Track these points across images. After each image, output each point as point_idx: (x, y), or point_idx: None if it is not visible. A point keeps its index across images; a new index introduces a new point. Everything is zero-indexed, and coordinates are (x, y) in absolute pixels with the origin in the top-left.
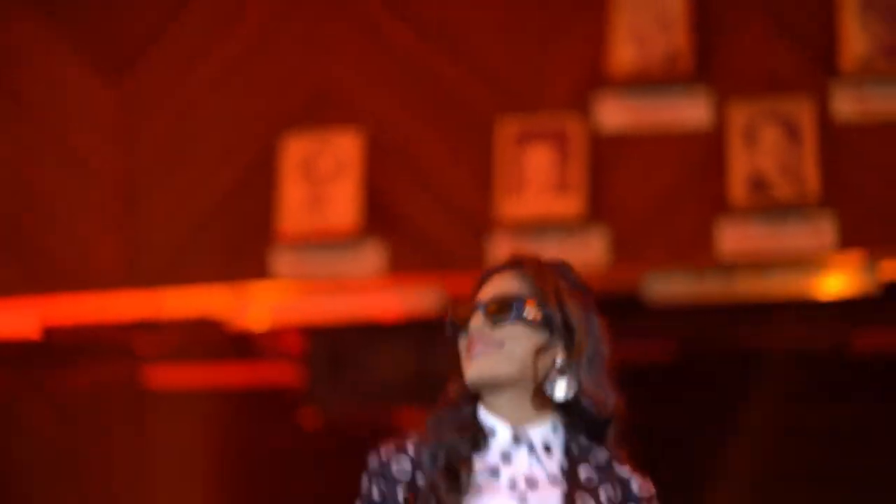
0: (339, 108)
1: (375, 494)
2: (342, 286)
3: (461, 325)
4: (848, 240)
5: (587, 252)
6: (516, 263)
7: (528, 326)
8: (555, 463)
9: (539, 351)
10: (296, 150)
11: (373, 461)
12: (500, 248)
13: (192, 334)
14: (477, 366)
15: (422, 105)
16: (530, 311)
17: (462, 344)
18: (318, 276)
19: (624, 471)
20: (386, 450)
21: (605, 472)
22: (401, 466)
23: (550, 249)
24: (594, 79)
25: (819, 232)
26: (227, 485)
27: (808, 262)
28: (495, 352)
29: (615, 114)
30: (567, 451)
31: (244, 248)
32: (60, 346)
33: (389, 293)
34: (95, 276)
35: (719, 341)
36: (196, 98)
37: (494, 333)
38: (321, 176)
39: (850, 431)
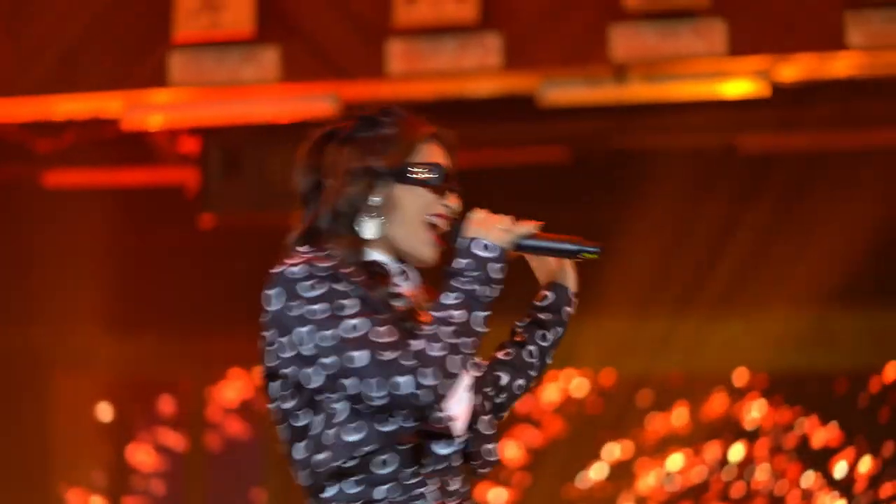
0: None
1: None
2: (237, 92)
3: (446, 187)
4: (738, 46)
5: (482, 57)
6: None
7: None
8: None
9: None
10: None
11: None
12: (395, 55)
13: (88, 136)
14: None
15: None
16: None
17: (430, 199)
18: (212, 81)
19: None
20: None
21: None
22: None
23: (445, 55)
24: None
25: (710, 38)
26: (124, 281)
27: (698, 68)
28: None
29: None
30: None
31: (138, 52)
32: None
33: (284, 99)
34: None
35: (612, 143)
36: None
37: None
38: None
39: (738, 227)
